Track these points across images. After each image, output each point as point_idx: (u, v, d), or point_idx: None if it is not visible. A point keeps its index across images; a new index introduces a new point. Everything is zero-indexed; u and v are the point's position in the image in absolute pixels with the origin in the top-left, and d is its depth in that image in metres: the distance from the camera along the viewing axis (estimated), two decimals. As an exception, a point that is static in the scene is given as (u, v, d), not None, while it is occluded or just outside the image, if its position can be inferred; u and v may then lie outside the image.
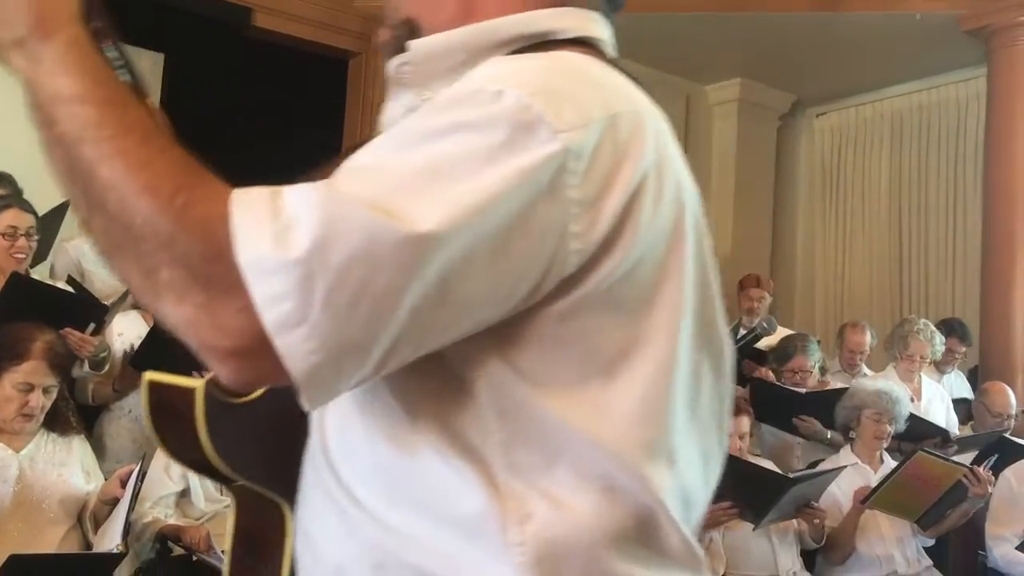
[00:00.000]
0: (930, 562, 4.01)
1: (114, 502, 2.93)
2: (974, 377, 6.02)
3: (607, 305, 0.76)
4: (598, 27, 0.90)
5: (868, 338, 5.14)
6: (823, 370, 4.93)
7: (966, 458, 4.24)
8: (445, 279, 0.68)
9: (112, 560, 2.78)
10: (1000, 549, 3.98)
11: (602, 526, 0.75)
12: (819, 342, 5.07)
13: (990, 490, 3.86)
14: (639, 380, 0.77)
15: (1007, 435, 4.58)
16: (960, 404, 5.30)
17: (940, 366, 5.44)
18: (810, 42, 6.96)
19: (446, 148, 0.70)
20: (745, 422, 3.85)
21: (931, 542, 4.09)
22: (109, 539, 2.82)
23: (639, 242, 0.75)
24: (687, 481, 0.82)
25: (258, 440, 0.92)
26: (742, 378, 4.72)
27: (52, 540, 2.91)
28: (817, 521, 3.69)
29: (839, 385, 4.63)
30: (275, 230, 0.66)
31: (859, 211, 8.12)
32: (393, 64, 0.87)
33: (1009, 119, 6.26)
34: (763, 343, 5.09)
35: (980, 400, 4.87)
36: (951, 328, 5.52)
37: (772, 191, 8.25)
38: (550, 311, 0.74)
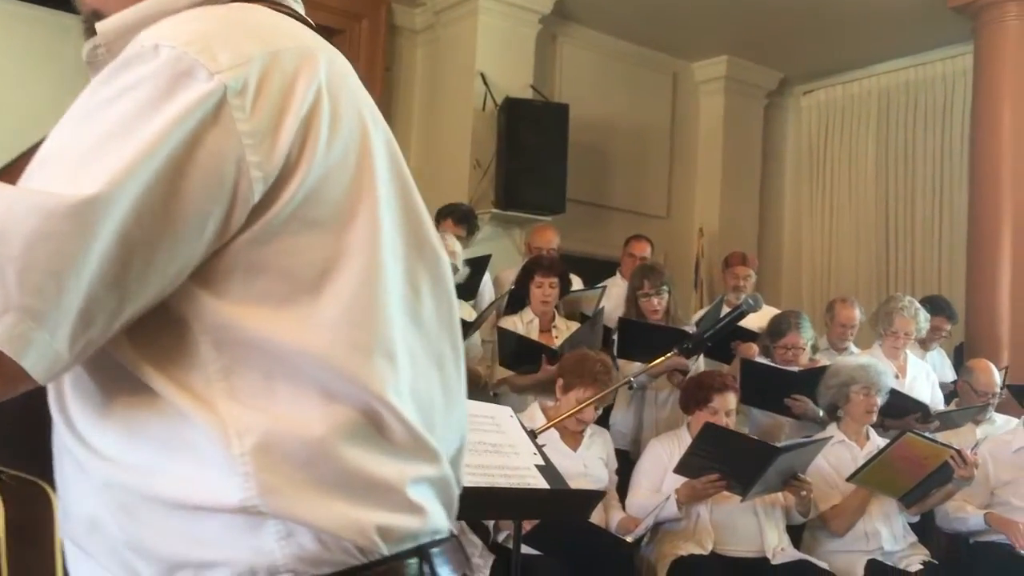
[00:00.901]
0: (915, 538, 4.05)
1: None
2: (960, 355, 6.05)
3: (301, 226, 0.81)
4: None
5: (857, 313, 5.15)
6: (815, 348, 4.94)
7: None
8: (126, 231, 0.74)
9: None
10: (951, 504, 4.04)
11: (324, 425, 0.81)
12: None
13: (975, 472, 3.88)
14: (344, 290, 0.83)
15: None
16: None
17: (924, 343, 5.45)
18: (797, 19, 6.94)
19: (114, 112, 0.77)
20: (731, 398, 3.85)
21: (916, 519, 4.12)
22: None
23: (318, 163, 0.81)
24: (416, 381, 0.89)
25: (10, 422, 0.93)
26: (731, 357, 4.72)
27: None
28: (804, 493, 3.71)
29: (828, 363, 4.63)
30: None
31: (846, 188, 8.13)
32: (86, 49, 0.91)
33: (995, 96, 6.26)
34: (749, 321, 5.09)
35: (965, 378, 4.89)
36: (938, 306, 5.53)
37: (759, 169, 8.25)
38: (245, 238, 0.80)
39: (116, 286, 0.75)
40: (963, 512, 4.07)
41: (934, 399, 4.99)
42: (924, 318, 4.99)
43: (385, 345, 0.85)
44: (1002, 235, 6.17)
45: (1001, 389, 4.79)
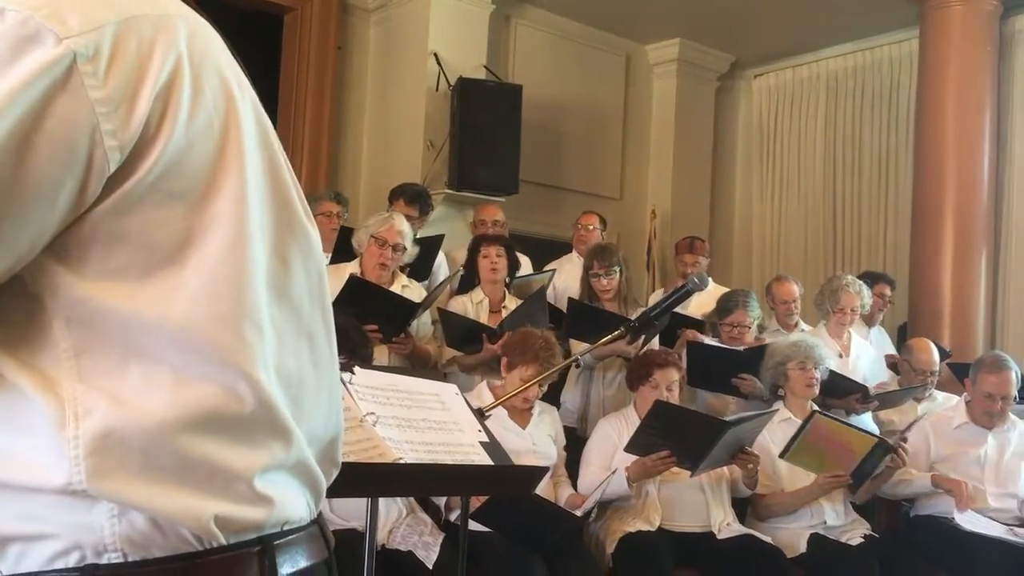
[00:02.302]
0: (856, 515, 4.14)
1: None
2: (903, 334, 6.18)
3: (163, 197, 0.79)
4: None
5: (795, 288, 5.24)
6: (761, 328, 5.00)
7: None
8: None
9: None
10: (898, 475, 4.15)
11: (171, 412, 0.79)
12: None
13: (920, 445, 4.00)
14: (205, 264, 0.81)
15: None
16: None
17: (869, 319, 5.56)
18: (748, 3, 7.00)
19: None
20: (673, 373, 3.91)
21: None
22: None
23: (179, 134, 0.79)
24: (284, 358, 0.87)
25: None
26: (675, 340, 4.77)
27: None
28: (751, 466, 3.78)
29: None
30: None
31: (795, 170, 8.24)
32: None
33: (940, 80, 6.38)
34: (700, 300, 5.16)
35: (905, 357, 4.99)
36: (874, 277, 5.67)
37: (711, 151, 8.32)
38: (102, 209, 0.77)
39: None
40: (907, 476, 4.14)
41: (878, 377, 5.09)
42: (867, 294, 5.09)
43: (251, 317, 0.83)
44: (945, 216, 6.31)
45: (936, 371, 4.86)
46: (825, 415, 4.00)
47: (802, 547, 3.84)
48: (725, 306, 4.77)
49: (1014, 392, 4.20)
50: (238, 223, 0.83)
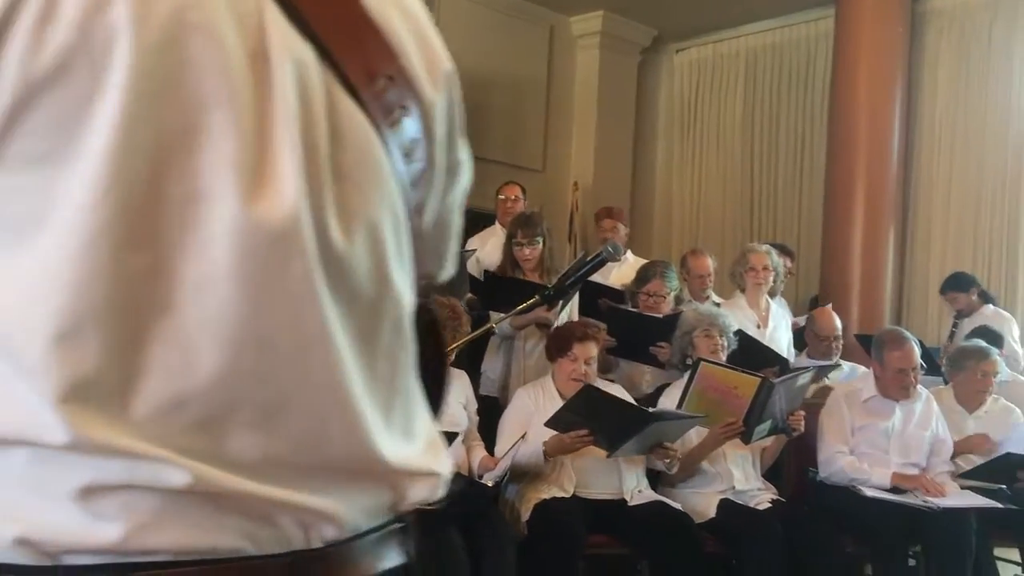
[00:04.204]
0: (764, 481, 4.25)
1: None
2: (815, 306, 6.33)
3: (10, 163, 0.64)
4: None
5: (709, 261, 5.33)
6: (678, 299, 5.07)
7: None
8: None
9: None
10: (843, 460, 4.24)
11: None
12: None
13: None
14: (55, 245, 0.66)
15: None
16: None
17: (772, 291, 5.69)
18: (670, -24, 7.05)
19: None
20: (592, 347, 3.94)
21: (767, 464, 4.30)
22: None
23: (18, 82, 0.62)
24: None
25: None
26: (598, 313, 4.81)
27: None
28: (667, 460, 3.85)
29: (688, 311, 4.76)
30: None
31: (714, 144, 8.36)
32: None
33: (853, 59, 6.53)
34: (621, 274, 5.21)
35: (810, 328, 5.14)
36: (776, 248, 5.80)
37: (633, 124, 8.39)
38: None
39: None
40: (862, 474, 4.18)
41: (792, 346, 5.23)
42: (776, 257, 5.21)
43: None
44: (855, 191, 6.49)
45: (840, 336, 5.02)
46: (711, 362, 4.05)
47: (712, 512, 3.93)
48: (643, 276, 4.85)
49: (919, 360, 4.34)
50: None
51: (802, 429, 4.07)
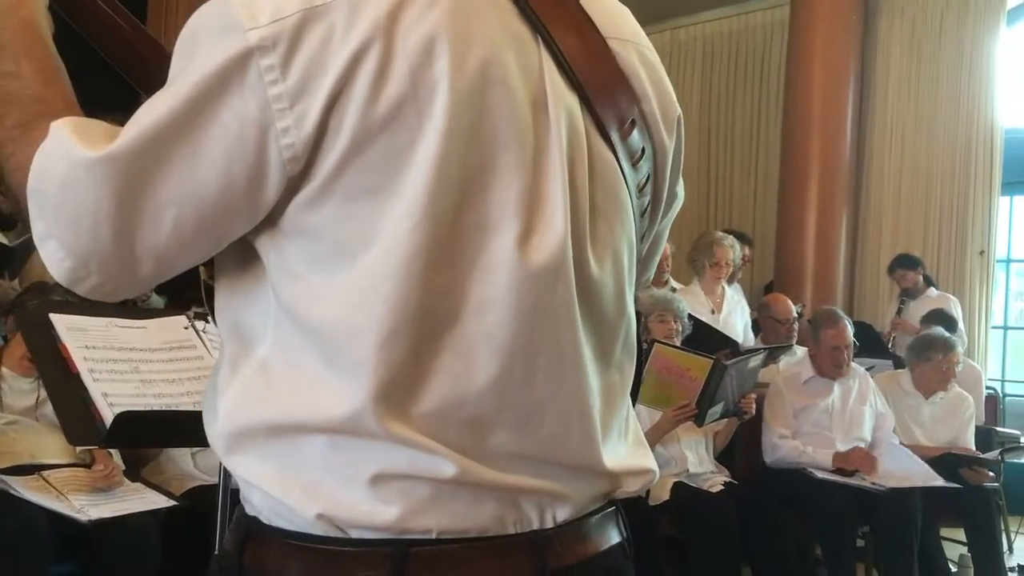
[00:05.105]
0: (717, 464, 4.31)
1: None
2: (771, 290, 6.42)
3: (348, 193, 0.77)
4: None
5: (667, 247, 5.36)
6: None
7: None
8: (143, 186, 0.76)
9: None
10: (786, 445, 4.32)
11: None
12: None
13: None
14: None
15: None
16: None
17: (730, 277, 5.76)
18: (628, -37, 7.04)
19: (176, 66, 0.78)
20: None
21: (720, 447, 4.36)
22: None
23: (359, 127, 0.75)
24: None
25: None
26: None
27: None
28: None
29: (646, 299, 4.79)
30: None
31: (671, 131, 8.39)
32: None
33: (807, 47, 6.60)
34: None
35: (766, 313, 5.21)
36: (735, 236, 5.87)
37: (591, 111, 8.40)
38: (296, 203, 0.78)
39: (149, 234, 0.77)
40: (806, 457, 4.27)
41: (747, 332, 5.29)
42: (738, 249, 5.28)
43: None
44: (809, 177, 6.57)
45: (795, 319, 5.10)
46: (664, 343, 4.11)
47: (666, 495, 3.98)
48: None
49: (852, 339, 4.44)
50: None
51: (753, 412, 4.11)
